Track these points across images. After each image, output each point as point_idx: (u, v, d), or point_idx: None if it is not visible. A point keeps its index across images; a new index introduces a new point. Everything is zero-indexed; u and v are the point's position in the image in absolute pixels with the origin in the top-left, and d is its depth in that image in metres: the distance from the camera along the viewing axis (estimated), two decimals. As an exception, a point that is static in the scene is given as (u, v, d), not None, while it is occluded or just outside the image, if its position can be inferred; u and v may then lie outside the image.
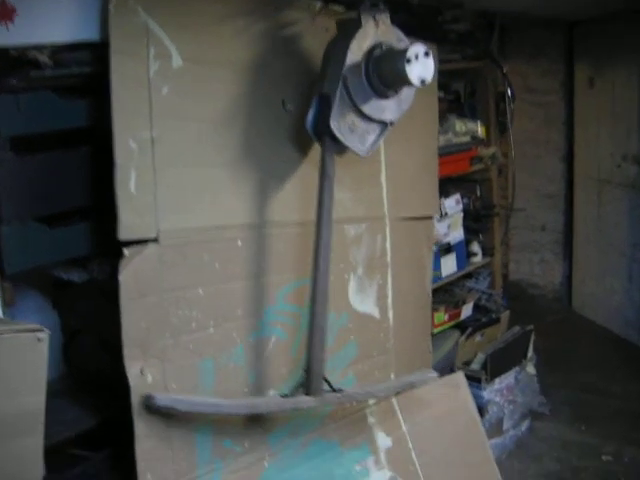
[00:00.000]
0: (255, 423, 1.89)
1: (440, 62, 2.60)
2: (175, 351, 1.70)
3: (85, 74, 1.65)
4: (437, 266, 2.81)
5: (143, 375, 1.63)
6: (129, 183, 1.59)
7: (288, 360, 1.98)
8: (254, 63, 1.89)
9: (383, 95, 1.83)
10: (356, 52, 1.80)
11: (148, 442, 1.64)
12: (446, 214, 2.80)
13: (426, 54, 1.75)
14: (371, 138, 1.88)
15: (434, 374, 2.33)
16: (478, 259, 3.12)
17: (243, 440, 1.87)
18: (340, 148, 1.87)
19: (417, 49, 1.74)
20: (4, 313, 1.62)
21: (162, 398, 1.65)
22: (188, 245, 1.72)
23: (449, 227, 2.85)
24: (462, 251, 2.97)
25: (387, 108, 1.85)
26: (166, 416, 1.67)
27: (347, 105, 1.81)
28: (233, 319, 1.83)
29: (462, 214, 2.93)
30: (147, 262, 1.63)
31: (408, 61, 1.72)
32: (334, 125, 1.79)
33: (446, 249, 2.88)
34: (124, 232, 1.58)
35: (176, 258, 1.70)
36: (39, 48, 1.51)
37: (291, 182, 2.00)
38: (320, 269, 1.85)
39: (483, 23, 3.47)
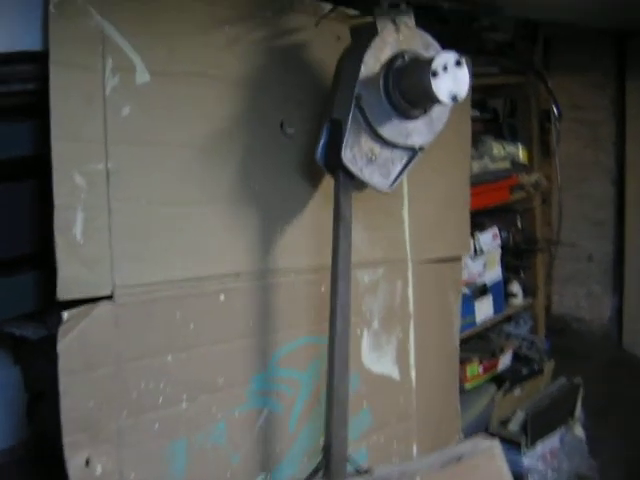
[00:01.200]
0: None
1: (475, 76, 2.25)
2: (136, 433, 1.37)
3: (30, 91, 1.33)
4: (471, 310, 2.45)
5: (89, 466, 1.30)
6: (73, 229, 1.26)
7: (284, 437, 1.64)
8: (247, 78, 1.56)
9: (408, 115, 1.48)
10: (372, 65, 1.45)
11: None
12: (481, 251, 2.43)
13: (458, 63, 1.40)
14: (396, 168, 1.53)
15: (496, 442, 1.94)
16: (518, 301, 2.73)
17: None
18: (359, 183, 1.53)
19: (446, 58, 1.38)
20: None
21: None
22: (154, 302, 1.39)
23: (485, 266, 2.48)
24: (500, 292, 2.60)
25: (415, 130, 1.50)
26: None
27: (363, 130, 1.46)
28: (212, 390, 1.49)
29: (500, 250, 2.55)
30: (98, 325, 1.30)
31: (434, 74, 1.37)
32: (347, 157, 1.45)
33: (481, 291, 2.50)
34: (65, 290, 1.26)
35: (138, 319, 1.37)
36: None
37: (293, 221, 1.66)
38: (338, 331, 1.49)
39: (525, 33, 3.11)
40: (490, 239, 2.48)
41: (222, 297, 1.51)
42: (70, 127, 1.26)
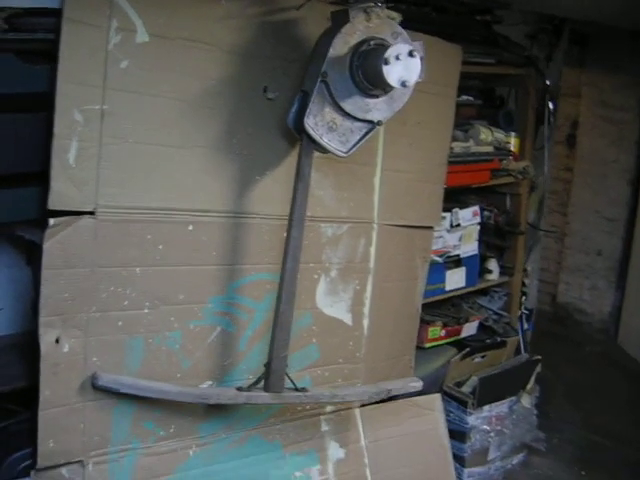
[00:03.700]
0: (185, 410, 1.86)
1: (469, 64, 2.46)
2: (101, 325, 1.70)
3: (50, 40, 1.62)
4: (441, 278, 2.67)
5: (59, 344, 1.63)
6: (67, 154, 1.58)
7: (233, 353, 1.94)
8: (239, 47, 1.83)
9: (369, 93, 1.73)
10: (340, 48, 1.71)
11: (55, 410, 1.65)
12: (458, 225, 2.65)
13: (410, 54, 1.65)
14: (355, 138, 1.79)
15: (419, 383, 2.24)
16: (493, 277, 2.93)
17: (168, 425, 1.85)
18: (320, 147, 1.79)
19: (399, 49, 1.63)
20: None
21: (106, 378, 1.69)
22: (130, 223, 1.70)
23: (460, 239, 2.69)
24: (474, 266, 2.80)
25: (375, 107, 1.76)
26: (82, 388, 1.67)
27: (327, 103, 1.73)
28: (173, 303, 1.80)
29: (478, 227, 2.76)
30: (79, 234, 1.62)
31: (386, 62, 1.62)
32: (309, 124, 1.72)
33: (455, 262, 2.72)
34: (54, 202, 1.58)
35: (114, 234, 1.68)
36: (-6, 10, 1.51)
37: (267, 173, 1.93)
38: (288, 269, 1.83)
39: (549, 28, 3.26)
40: (470, 215, 2.69)
41: (190, 227, 1.80)
42: (74, 72, 1.56)
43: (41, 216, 1.75)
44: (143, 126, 1.69)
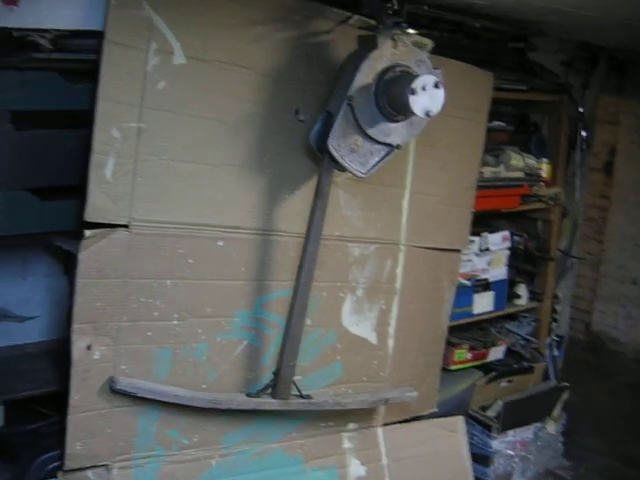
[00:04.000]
0: (209, 420, 1.91)
1: (502, 90, 2.49)
2: (131, 335, 1.76)
3: (93, 61, 1.71)
4: (468, 302, 2.69)
5: (90, 351, 1.69)
6: (105, 169, 1.65)
7: (259, 367, 1.98)
8: (273, 70, 1.89)
9: (392, 118, 1.78)
10: (367, 73, 1.76)
11: (84, 414, 1.71)
12: (487, 249, 2.66)
13: (436, 85, 1.69)
14: (374, 160, 1.84)
15: (413, 393, 2.24)
16: (522, 302, 2.93)
17: (192, 434, 1.90)
18: (341, 166, 1.84)
19: (425, 80, 1.68)
20: None
21: (123, 382, 1.74)
22: (162, 237, 1.77)
23: (489, 263, 2.70)
24: (503, 291, 2.81)
25: (395, 131, 1.81)
26: (110, 394, 1.73)
27: (351, 125, 1.78)
28: (201, 316, 1.86)
29: (508, 252, 2.76)
30: (113, 246, 1.70)
31: (413, 92, 1.67)
32: (332, 144, 1.77)
33: (483, 285, 2.73)
34: (90, 214, 1.65)
35: (147, 247, 1.75)
36: (42, 32, 1.60)
37: (295, 192, 1.99)
38: (301, 282, 1.89)
39: (585, 56, 3.26)
40: (499, 240, 2.70)
41: (220, 243, 1.86)
42: (113, 91, 1.64)
43: (78, 228, 1.84)
44: (178, 144, 1.76)
